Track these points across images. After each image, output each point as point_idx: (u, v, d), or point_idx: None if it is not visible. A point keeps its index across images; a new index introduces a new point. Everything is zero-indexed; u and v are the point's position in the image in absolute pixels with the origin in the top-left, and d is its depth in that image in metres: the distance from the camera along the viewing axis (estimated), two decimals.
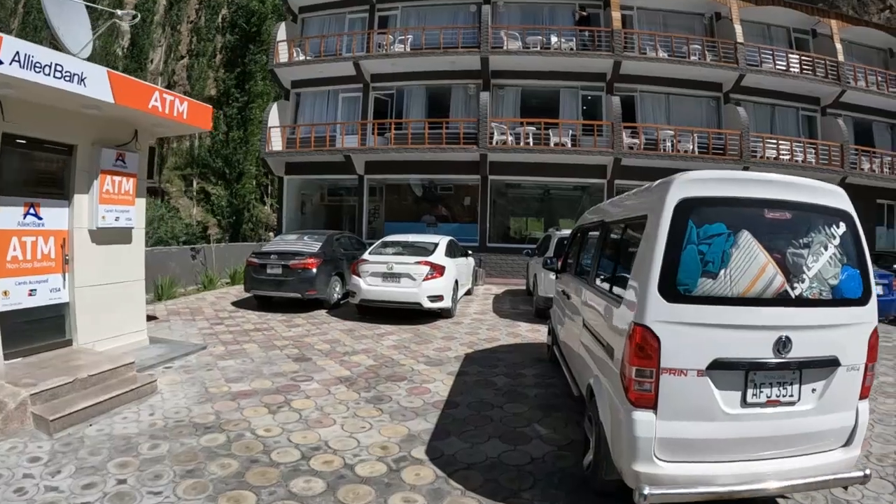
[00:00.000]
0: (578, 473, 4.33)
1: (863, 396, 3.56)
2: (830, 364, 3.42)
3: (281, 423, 5.21)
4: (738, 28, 19.84)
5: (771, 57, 20.47)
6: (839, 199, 3.65)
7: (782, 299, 3.34)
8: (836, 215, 3.58)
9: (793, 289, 3.36)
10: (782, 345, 3.29)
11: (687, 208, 3.35)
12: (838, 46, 21.07)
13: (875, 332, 3.58)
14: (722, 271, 3.30)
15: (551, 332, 7.76)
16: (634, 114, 20.02)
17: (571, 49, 19.26)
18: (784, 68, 20.40)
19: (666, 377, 3.25)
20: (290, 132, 21.53)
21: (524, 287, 16.14)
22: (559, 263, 7.51)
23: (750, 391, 3.31)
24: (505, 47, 19.27)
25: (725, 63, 19.56)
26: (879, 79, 21.86)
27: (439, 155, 19.10)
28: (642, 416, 3.27)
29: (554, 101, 20.24)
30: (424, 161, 19.59)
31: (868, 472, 3.41)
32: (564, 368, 6.15)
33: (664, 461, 3.25)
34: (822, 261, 3.45)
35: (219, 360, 7.42)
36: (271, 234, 24.23)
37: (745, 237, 3.34)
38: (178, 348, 7.76)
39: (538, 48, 19.27)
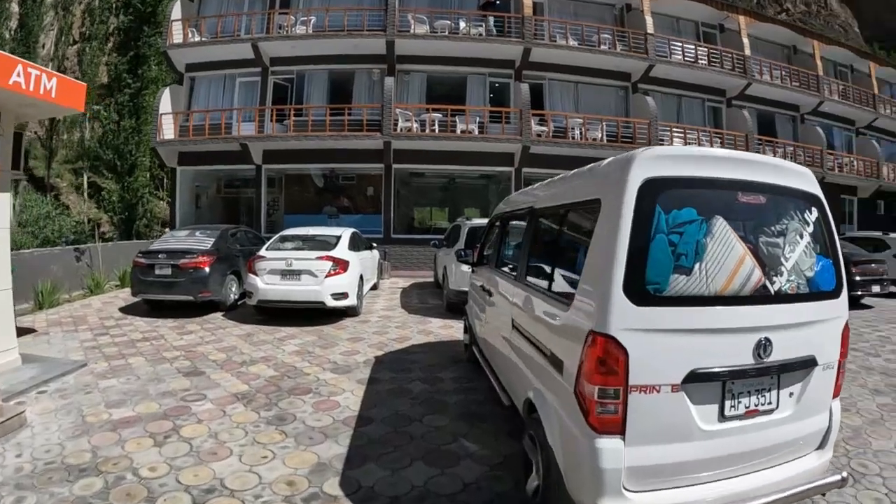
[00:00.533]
0: (521, 498, 3.73)
1: (835, 395, 3.34)
2: (809, 365, 3.13)
3: (168, 457, 4.37)
4: (649, 19, 20.14)
5: (680, 49, 20.90)
6: (810, 182, 3.35)
7: (761, 296, 2.98)
8: (808, 199, 3.29)
9: (771, 283, 3.02)
10: (763, 348, 2.92)
11: (653, 190, 2.84)
12: (745, 41, 22.12)
13: (847, 326, 3.37)
14: (696, 266, 2.85)
15: (468, 331, 7.13)
16: (543, 101, 19.89)
17: (480, 35, 18.82)
18: (692, 60, 20.92)
19: (635, 396, 2.76)
20: (183, 119, 19.90)
21: (432, 279, 15.54)
22: (474, 255, 6.93)
23: (728, 403, 2.92)
24: (412, 31, 18.57)
25: (635, 53, 19.74)
26: (783, 73, 23.23)
27: (341, 143, 18.17)
28: (608, 444, 2.76)
29: (461, 88, 19.70)
30: (326, 149, 18.57)
31: (845, 474, 3.15)
32: (489, 372, 5.56)
33: (634, 492, 2.80)
34: (798, 251, 3.14)
35: (100, 379, 6.41)
36: (167, 229, 22.45)
37: (720, 224, 2.92)
38: (55, 367, 6.69)
39: (446, 33, 18.66)
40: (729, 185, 3.01)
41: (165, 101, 19.56)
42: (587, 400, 2.79)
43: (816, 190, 3.32)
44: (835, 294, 3.25)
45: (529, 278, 4.24)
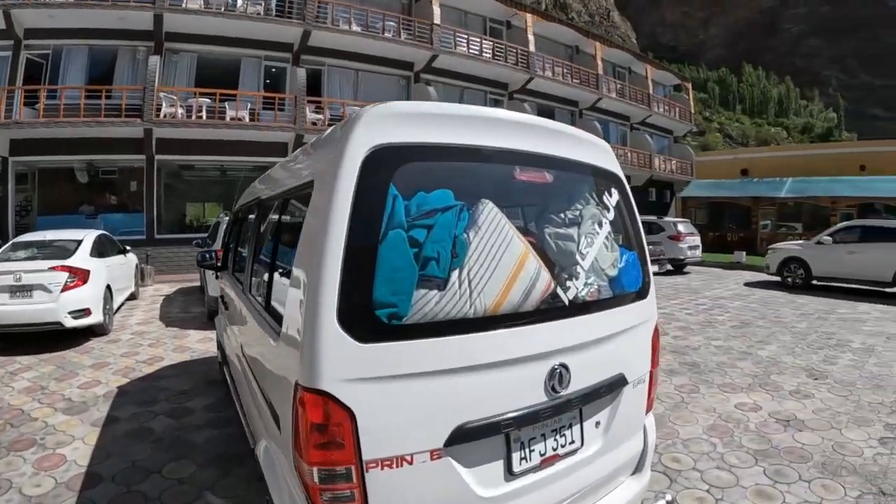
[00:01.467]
0: None
1: (648, 410, 2.82)
2: (618, 386, 2.49)
3: None
4: (437, 10, 20.20)
5: (465, 41, 21.15)
6: (609, 157, 2.72)
7: (551, 309, 2.20)
8: (608, 179, 2.67)
9: (565, 290, 2.27)
10: (558, 378, 2.17)
11: (386, 163, 1.90)
12: (531, 38, 23.12)
13: (657, 329, 2.85)
14: (455, 274, 1.96)
15: (220, 347, 6.01)
16: (321, 88, 19.14)
17: (259, 14, 17.47)
18: (477, 53, 21.27)
19: (377, 474, 1.83)
20: None
21: (199, 284, 14.05)
22: (218, 258, 5.75)
23: (516, 455, 2.13)
24: (184, 5, 16.74)
25: (420, 43, 19.61)
26: (565, 70, 24.49)
27: (98, 131, 15.87)
28: None
29: (234, 72, 18.25)
30: (83, 139, 16.10)
31: (670, 497, 2.75)
32: (236, 402, 4.43)
33: None
34: (597, 244, 2.46)
35: None
36: None
37: (489, 212, 2.07)
38: None
39: (222, 9, 17.10)
40: (502, 158, 2.20)
41: None
42: (308, 485, 1.87)
43: (616, 168, 2.74)
44: (642, 294, 2.72)
45: (253, 291, 3.34)
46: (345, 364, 1.77)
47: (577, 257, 2.36)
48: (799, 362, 6.93)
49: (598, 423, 2.44)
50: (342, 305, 1.76)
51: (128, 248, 12.00)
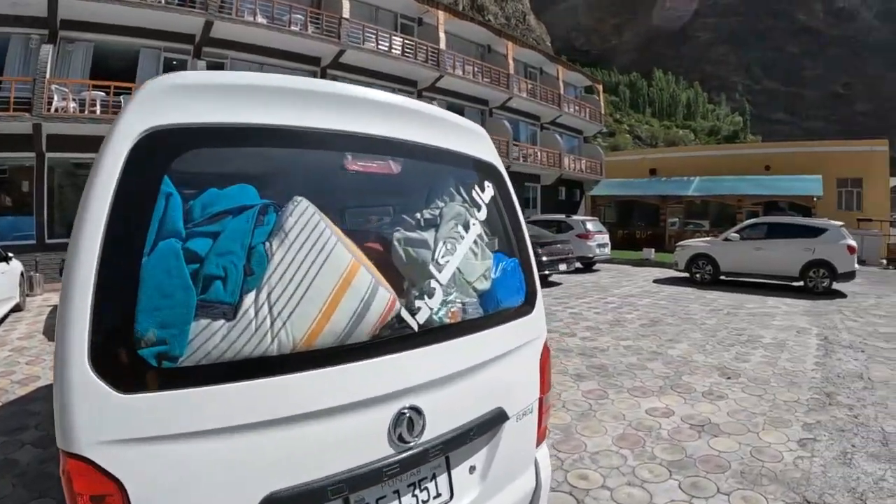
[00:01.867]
0: None
1: (540, 441, 2.34)
2: (495, 423, 2.04)
3: None
4: (346, 4, 19.86)
5: (375, 37, 20.91)
6: (483, 143, 2.26)
7: (395, 337, 1.76)
8: (481, 171, 2.21)
9: (413, 312, 1.81)
10: (407, 425, 1.73)
11: (160, 153, 1.44)
12: (442, 36, 23.10)
13: (546, 348, 2.36)
14: (248, 297, 1.49)
15: None
16: None
17: (159, 2, 16.69)
18: (387, 49, 21.08)
19: None
20: None
21: None
22: None
23: None
24: None
25: (328, 37, 19.28)
26: (476, 69, 24.70)
27: None
28: None
29: (132, 63, 17.42)
30: None
31: None
32: None
33: None
34: (460, 251, 2.00)
35: None
36: None
37: (301, 213, 1.60)
38: None
39: None
40: (330, 143, 1.74)
41: None
42: None
43: (493, 156, 2.28)
44: (526, 308, 2.26)
45: None
46: (103, 421, 1.33)
47: (432, 269, 1.92)
48: (711, 361, 6.73)
49: (472, 468, 2.01)
50: (95, 343, 1.32)
51: (10, 255, 10.95)
